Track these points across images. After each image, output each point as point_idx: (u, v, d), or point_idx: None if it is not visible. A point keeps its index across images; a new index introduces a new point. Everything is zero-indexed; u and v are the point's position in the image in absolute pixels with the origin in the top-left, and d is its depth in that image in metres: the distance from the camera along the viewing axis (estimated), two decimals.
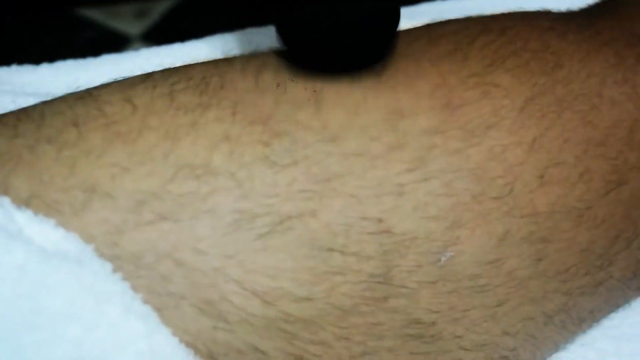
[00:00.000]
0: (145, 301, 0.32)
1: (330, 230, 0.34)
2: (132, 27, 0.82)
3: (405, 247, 0.35)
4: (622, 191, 0.38)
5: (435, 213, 0.35)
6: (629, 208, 0.39)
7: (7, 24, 0.80)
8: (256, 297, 0.33)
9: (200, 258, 0.33)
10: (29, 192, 0.32)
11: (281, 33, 0.38)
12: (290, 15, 0.37)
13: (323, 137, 0.35)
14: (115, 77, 0.38)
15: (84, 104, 0.35)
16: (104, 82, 0.38)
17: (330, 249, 0.34)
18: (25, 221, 0.31)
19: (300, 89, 0.37)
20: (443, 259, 0.35)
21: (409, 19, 0.41)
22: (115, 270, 0.32)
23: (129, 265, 0.32)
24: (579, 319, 0.40)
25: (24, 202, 0.32)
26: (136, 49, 0.63)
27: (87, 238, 0.32)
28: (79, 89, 0.38)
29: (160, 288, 0.32)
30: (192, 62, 0.39)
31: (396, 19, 0.38)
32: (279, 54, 0.40)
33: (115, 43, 0.80)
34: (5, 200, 0.32)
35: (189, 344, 0.32)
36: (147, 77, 0.37)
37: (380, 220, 0.35)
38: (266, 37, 0.54)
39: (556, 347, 0.41)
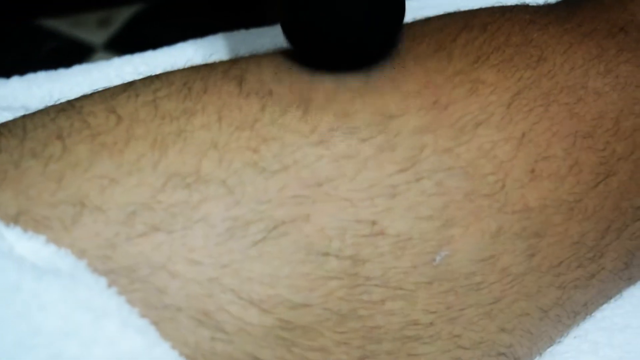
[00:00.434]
0: (142, 315, 0.31)
1: (325, 235, 0.34)
2: (96, 36, 0.81)
3: (400, 248, 0.35)
4: (611, 182, 0.38)
5: (429, 213, 0.35)
6: (618, 199, 0.39)
7: None
8: (253, 305, 0.33)
9: (195, 268, 0.32)
10: (16, 209, 0.32)
11: (287, 32, 0.38)
12: (296, 14, 0.37)
13: (312, 141, 0.35)
14: (89, 87, 0.38)
15: (67, 116, 0.35)
16: (84, 93, 0.37)
17: (326, 254, 0.34)
18: (15, 239, 0.31)
19: (286, 91, 0.36)
20: (438, 258, 0.35)
21: None
22: (109, 285, 0.31)
23: (124, 279, 0.31)
24: (574, 312, 0.40)
25: (12, 219, 0.31)
26: (101, 58, 0.62)
27: (79, 253, 0.31)
28: (55, 101, 0.37)
29: (156, 301, 0.32)
30: (169, 70, 0.39)
31: (401, 13, 0.38)
32: (261, 57, 0.39)
33: (79, 52, 0.79)
34: None
35: (188, 357, 0.32)
36: (128, 86, 0.37)
37: (374, 223, 0.35)
38: (240, 42, 0.54)
39: (551, 342, 0.41)
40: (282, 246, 0.33)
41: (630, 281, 0.42)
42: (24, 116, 0.36)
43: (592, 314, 0.42)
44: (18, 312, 0.29)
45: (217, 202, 0.33)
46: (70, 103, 0.36)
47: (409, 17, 0.41)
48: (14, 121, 0.35)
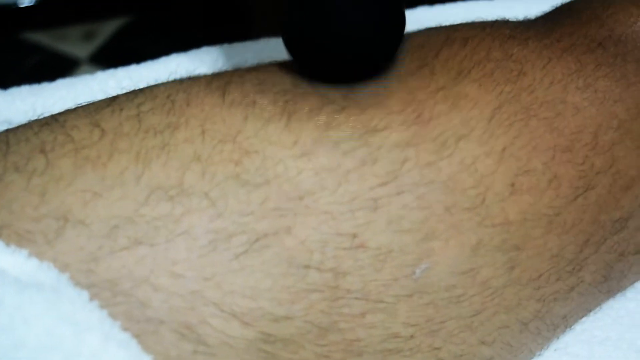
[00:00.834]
0: (124, 328, 0.31)
1: (306, 247, 0.34)
2: (80, 50, 0.81)
3: (381, 261, 0.35)
4: (590, 196, 0.39)
5: (409, 226, 0.35)
6: (597, 212, 0.39)
7: None
8: (235, 318, 0.33)
9: (178, 282, 0.32)
10: None
11: (289, 45, 0.38)
12: (298, 29, 0.37)
13: (294, 153, 0.35)
14: (72, 101, 0.38)
15: (50, 130, 0.35)
16: (68, 107, 0.37)
17: (307, 266, 0.34)
18: None
19: (269, 102, 0.36)
20: (418, 271, 0.35)
21: None
22: (92, 298, 0.31)
23: (106, 293, 0.31)
24: (553, 324, 0.40)
25: None
26: (85, 71, 0.62)
27: (62, 267, 0.31)
28: (38, 115, 0.37)
29: (138, 314, 0.32)
30: (152, 83, 0.39)
31: (401, 27, 0.38)
32: (244, 69, 0.39)
33: (64, 66, 0.79)
34: None
35: None
36: (112, 100, 0.37)
37: (354, 236, 0.35)
38: (222, 55, 0.54)
39: (532, 354, 0.41)
40: (264, 259, 0.33)
41: (609, 294, 0.43)
42: (7, 130, 0.36)
43: (572, 327, 0.42)
44: (1, 326, 0.29)
45: (199, 214, 0.33)
46: (53, 117, 0.36)
47: None
48: None
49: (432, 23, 0.44)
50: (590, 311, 0.43)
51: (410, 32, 0.43)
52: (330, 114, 0.36)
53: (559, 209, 0.38)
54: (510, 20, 0.44)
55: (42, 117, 0.37)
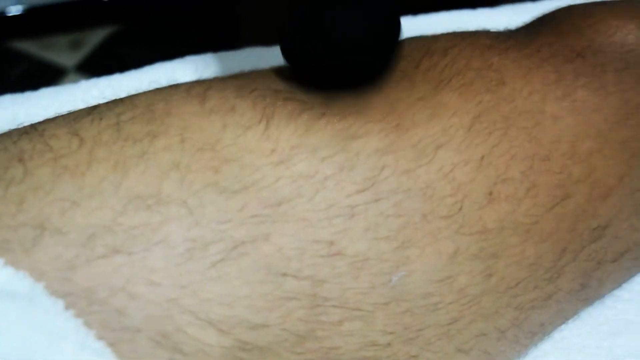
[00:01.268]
0: (100, 337, 0.31)
1: (284, 255, 0.34)
2: (67, 58, 0.81)
3: (358, 268, 0.35)
4: (567, 205, 0.39)
5: (386, 234, 0.36)
6: (575, 221, 0.39)
7: None
8: (212, 326, 0.33)
9: (155, 290, 0.32)
10: None
11: (286, 53, 0.39)
12: (295, 37, 0.38)
13: (272, 160, 0.35)
14: (55, 111, 0.38)
15: (29, 139, 0.35)
16: (48, 117, 0.37)
17: (284, 274, 0.34)
18: None
19: (249, 106, 0.37)
20: (395, 279, 0.36)
21: None
22: (67, 307, 0.31)
23: (82, 301, 0.31)
24: (531, 332, 0.40)
25: None
26: (72, 80, 0.62)
27: (38, 276, 0.31)
28: (19, 124, 0.37)
29: (114, 322, 0.32)
30: (134, 92, 0.39)
31: (397, 34, 0.38)
32: (225, 76, 0.40)
33: (51, 75, 0.79)
34: None
35: None
36: (92, 109, 0.37)
37: (332, 243, 0.35)
38: (206, 64, 0.54)
39: None
40: (242, 267, 0.33)
41: (586, 302, 0.43)
42: None
43: (550, 335, 0.42)
44: None
45: (177, 223, 0.33)
46: (32, 126, 0.36)
47: None
48: None
49: (415, 33, 0.44)
50: (568, 319, 0.43)
51: None
52: (309, 120, 0.37)
53: (537, 217, 0.38)
54: (490, 30, 0.45)
55: (21, 126, 0.37)
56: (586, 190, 0.39)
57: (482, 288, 0.37)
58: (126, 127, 0.35)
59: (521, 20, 0.47)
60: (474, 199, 0.37)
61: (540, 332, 0.41)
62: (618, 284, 0.44)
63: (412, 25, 0.46)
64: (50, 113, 0.38)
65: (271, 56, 0.54)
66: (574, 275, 0.40)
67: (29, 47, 0.82)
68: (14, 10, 0.85)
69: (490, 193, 0.37)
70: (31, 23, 0.83)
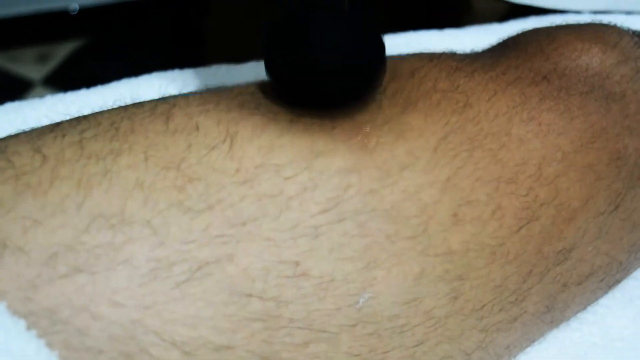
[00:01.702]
0: (63, 357, 0.31)
1: (248, 275, 0.34)
2: (34, 72, 0.80)
3: (323, 289, 0.35)
4: (533, 227, 0.39)
5: (351, 254, 0.35)
6: (540, 243, 0.39)
7: None
8: (175, 347, 0.32)
9: (118, 310, 0.32)
10: None
11: (270, 71, 0.39)
12: (277, 53, 0.37)
13: (237, 179, 0.35)
14: (19, 126, 0.38)
15: None
16: (12, 132, 0.37)
17: (249, 295, 0.34)
18: None
19: (213, 124, 0.36)
20: (361, 300, 0.35)
21: None
22: (29, 327, 0.31)
23: (44, 321, 0.31)
24: (497, 355, 0.40)
25: None
26: (39, 93, 0.61)
27: None
28: None
29: (77, 343, 0.31)
30: (100, 109, 0.39)
31: (381, 56, 0.38)
32: (190, 93, 0.39)
33: (17, 88, 0.78)
34: None
35: None
36: (55, 126, 0.36)
37: (297, 264, 0.35)
38: (172, 81, 0.54)
39: None
40: (206, 287, 0.33)
41: (552, 324, 0.43)
42: None
43: (516, 357, 0.42)
44: None
45: (141, 243, 0.33)
46: None
47: None
48: None
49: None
50: (534, 341, 0.43)
51: None
52: (273, 136, 0.36)
53: (503, 239, 0.38)
54: (457, 52, 0.45)
55: None
56: (552, 213, 0.40)
57: (447, 310, 0.37)
58: (89, 144, 0.35)
59: (487, 42, 0.47)
60: (439, 221, 0.37)
61: (506, 354, 0.41)
62: (583, 306, 0.44)
63: None
64: (14, 128, 0.37)
65: (238, 73, 0.54)
66: (539, 298, 0.40)
67: None
68: None
69: (455, 215, 0.37)
70: None
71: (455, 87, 0.41)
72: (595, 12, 0.61)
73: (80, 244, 0.32)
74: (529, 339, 0.43)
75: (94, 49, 0.88)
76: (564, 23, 0.48)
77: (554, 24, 0.48)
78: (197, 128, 0.36)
